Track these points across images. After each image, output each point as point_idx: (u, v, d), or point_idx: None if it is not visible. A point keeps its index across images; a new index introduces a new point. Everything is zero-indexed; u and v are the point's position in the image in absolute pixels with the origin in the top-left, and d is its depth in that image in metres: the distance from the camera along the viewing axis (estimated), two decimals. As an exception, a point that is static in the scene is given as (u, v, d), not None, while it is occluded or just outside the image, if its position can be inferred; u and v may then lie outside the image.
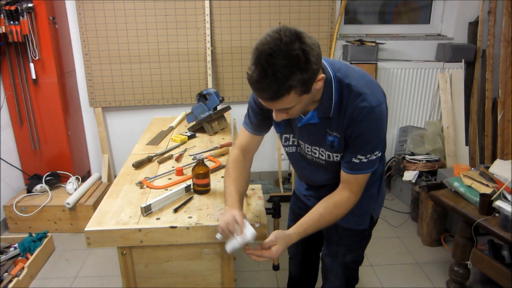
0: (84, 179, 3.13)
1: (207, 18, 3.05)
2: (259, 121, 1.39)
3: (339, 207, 1.28)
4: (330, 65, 1.20)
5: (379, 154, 1.25)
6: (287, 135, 1.38)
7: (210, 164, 1.84)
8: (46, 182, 2.92)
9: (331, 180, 1.38)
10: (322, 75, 1.11)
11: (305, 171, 1.46)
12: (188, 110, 2.54)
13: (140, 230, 1.38)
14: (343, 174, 1.28)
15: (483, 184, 2.08)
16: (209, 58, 3.12)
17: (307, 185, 1.55)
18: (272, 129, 1.44)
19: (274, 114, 1.19)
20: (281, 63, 1.00)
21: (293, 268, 1.82)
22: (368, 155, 1.22)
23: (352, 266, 1.57)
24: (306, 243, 1.52)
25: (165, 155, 2.03)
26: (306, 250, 1.74)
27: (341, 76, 1.18)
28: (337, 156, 1.29)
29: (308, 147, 1.34)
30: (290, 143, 1.40)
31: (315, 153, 1.33)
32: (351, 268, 1.58)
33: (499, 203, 1.91)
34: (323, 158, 1.32)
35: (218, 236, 1.26)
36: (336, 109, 1.20)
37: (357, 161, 1.23)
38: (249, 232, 1.24)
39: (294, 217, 1.61)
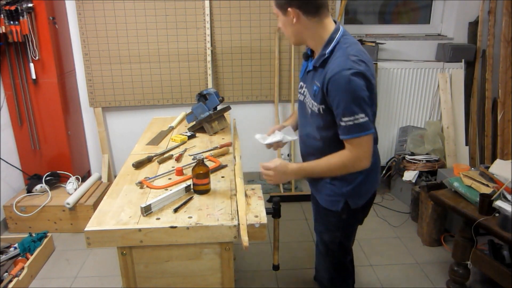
0: (84, 179, 3.14)
1: (207, 18, 3.05)
2: None
3: (339, 159, 1.44)
4: (343, 33, 1.46)
5: (366, 118, 1.37)
6: (301, 83, 1.59)
7: (210, 164, 1.84)
8: (46, 182, 2.92)
9: (313, 139, 1.56)
10: (295, 14, 1.40)
11: (301, 120, 1.64)
12: (188, 110, 2.54)
13: (140, 230, 1.38)
14: (344, 141, 1.43)
15: (483, 184, 2.08)
16: (209, 58, 3.12)
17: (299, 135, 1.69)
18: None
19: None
20: None
21: None
22: (351, 117, 1.35)
23: (331, 246, 1.68)
24: None
25: (165, 155, 2.03)
26: None
27: (343, 41, 1.42)
28: (316, 107, 1.46)
29: (306, 91, 1.55)
30: (301, 91, 1.60)
31: (308, 99, 1.52)
32: (332, 249, 1.69)
33: (499, 203, 1.91)
34: (311, 107, 1.50)
35: (258, 136, 1.68)
36: (323, 62, 1.41)
37: (343, 124, 1.38)
38: (269, 138, 1.66)
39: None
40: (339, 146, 1.45)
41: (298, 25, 1.43)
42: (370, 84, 1.38)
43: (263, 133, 1.74)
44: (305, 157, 1.66)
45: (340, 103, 1.35)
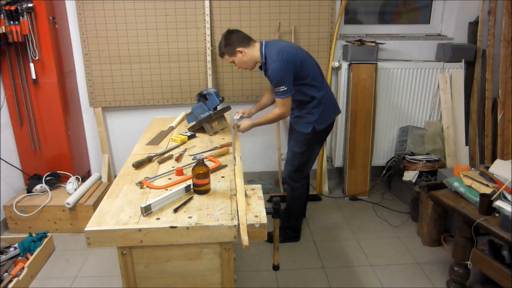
0: (84, 179, 3.14)
1: (207, 18, 3.05)
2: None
3: (272, 114, 2.39)
4: (266, 45, 2.34)
5: (285, 88, 2.26)
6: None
7: (210, 164, 1.84)
8: (46, 182, 2.92)
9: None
10: (241, 51, 2.33)
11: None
12: (188, 110, 2.54)
13: (140, 230, 1.38)
14: (275, 100, 2.37)
15: (483, 184, 2.08)
16: (209, 58, 3.12)
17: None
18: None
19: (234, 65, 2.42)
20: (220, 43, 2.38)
21: None
22: (278, 87, 2.26)
23: (297, 155, 2.53)
24: None
25: (165, 155, 2.03)
26: None
27: (266, 51, 2.32)
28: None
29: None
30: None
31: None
32: (296, 157, 2.53)
33: (499, 203, 1.91)
34: (273, 89, 2.36)
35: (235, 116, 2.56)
36: (264, 65, 2.33)
37: (276, 90, 2.28)
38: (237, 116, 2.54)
39: (290, 136, 2.67)
40: (297, 97, 2.39)
41: (245, 56, 2.34)
42: (290, 65, 2.26)
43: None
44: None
45: (273, 80, 2.28)
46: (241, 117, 2.58)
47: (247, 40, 2.33)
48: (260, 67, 2.42)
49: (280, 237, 2.59)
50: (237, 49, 2.30)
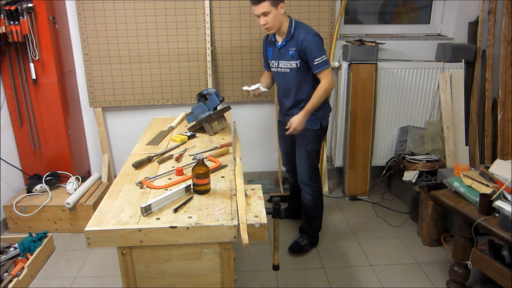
0: (84, 179, 3.14)
1: (207, 18, 3.05)
2: (265, 59, 2.56)
3: (321, 89, 2.30)
4: (294, 19, 2.32)
5: (326, 57, 2.26)
6: (273, 61, 2.44)
7: (210, 164, 1.84)
8: (46, 182, 2.92)
9: (294, 87, 2.39)
10: (283, 6, 2.22)
11: (279, 82, 2.49)
12: (188, 110, 2.54)
13: (140, 230, 1.38)
14: (317, 75, 2.31)
15: (483, 184, 2.08)
16: (209, 58, 3.12)
17: (280, 105, 2.58)
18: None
19: (260, 20, 2.23)
20: None
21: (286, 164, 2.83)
22: (320, 57, 2.24)
23: (311, 153, 2.49)
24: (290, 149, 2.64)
25: (165, 155, 2.03)
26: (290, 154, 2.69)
27: (297, 23, 2.31)
28: (294, 63, 2.33)
29: (281, 62, 2.39)
30: (274, 65, 2.45)
31: (285, 65, 2.37)
32: (311, 154, 2.49)
33: (499, 203, 1.91)
34: (288, 66, 2.36)
35: (245, 87, 2.49)
36: (292, 36, 2.29)
37: (316, 62, 2.25)
38: (254, 86, 2.47)
39: (281, 137, 2.66)
40: (308, 83, 2.35)
41: (282, 15, 2.25)
42: (322, 41, 2.30)
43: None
44: (289, 99, 2.45)
45: (312, 50, 2.23)
46: (255, 89, 2.47)
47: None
48: (273, 42, 2.38)
49: (308, 245, 2.61)
50: (281, 3, 2.21)
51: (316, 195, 2.56)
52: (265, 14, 2.19)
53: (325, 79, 2.28)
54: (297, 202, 2.80)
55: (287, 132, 2.35)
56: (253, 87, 2.48)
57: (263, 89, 2.47)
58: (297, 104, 2.43)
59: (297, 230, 2.74)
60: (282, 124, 2.58)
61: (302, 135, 2.46)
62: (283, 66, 2.38)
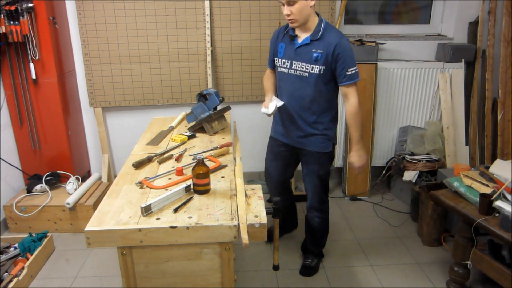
0: (84, 179, 3.13)
1: (207, 18, 3.05)
2: (271, 57, 2.22)
3: (356, 110, 2.02)
4: (324, 19, 2.02)
5: (357, 70, 1.99)
6: (285, 60, 2.10)
7: (210, 164, 1.84)
8: (46, 182, 2.92)
9: (308, 97, 2.08)
10: (314, 2, 1.91)
11: (287, 85, 2.13)
12: (188, 110, 2.54)
13: (140, 230, 1.38)
14: (344, 89, 2.02)
15: (483, 184, 2.08)
16: (209, 58, 3.12)
17: (281, 121, 2.25)
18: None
19: (284, 9, 1.91)
20: None
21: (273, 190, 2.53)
22: (353, 68, 1.97)
23: (323, 177, 2.26)
24: (282, 177, 2.41)
25: (165, 155, 2.03)
26: (283, 183, 2.50)
27: (327, 23, 2.01)
28: (317, 68, 2.00)
29: (298, 63, 2.04)
30: (285, 65, 2.10)
31: (302, 67, 2.03)
32: (323, 179, 2.27)
33: (499, 203, 1.91)
34: (308, 70, 2.02)
35: (263, 109, 2.12)
36: (321, 36, 1.97)
37: (349, 73, 1.96)
38: (272, 105, 2.08)
39: (274, 156, 2.37)
40: (324, 96, 2.07)
41: (310, 8, 1.93)
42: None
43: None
44: (298, 111, 2.13)
45: (346, 59, 1.94)
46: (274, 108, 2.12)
47: None
48: (292, 37, 2.03)
49: (317, 263, 2.45)
50: (312, 2, 1.91)
51: (325, 216, 2.39)
52: (290, 3, 1.87)
53: (354, 95, 2.01)
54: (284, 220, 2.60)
55: (356, 168, 2.13)
56: (272, 108, 2.09)
57: (280, 103, 2.12)
58: (307, 118, 2.13)
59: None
60: (276, 141, 2.32)
61: (313, 161, 2.22)
62: (299, 68, 2.04)
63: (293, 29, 2.04)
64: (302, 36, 2.02)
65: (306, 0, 1.88)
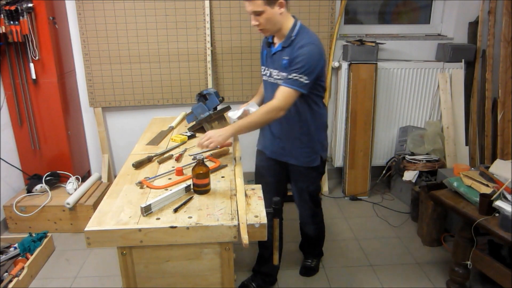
0: (84, 179, 3.13)
1: (207, 18, 3.05)
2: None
3: (266, 108, 1.81)
4: (301, 24, 1.88)
5: (307, 82, 1.78)
6: (265, 67, 2.02)
7: (210, 164, 1.84)
8: (46, 182, 2.92)
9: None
10: (283, 5, 1.78)
11: (268, 93, 2.02)
12: (188, 110, 2.54)
13: (140, 230, 1.38)
14: (278, 88, 1.82)
15: (483, 184, 2.08)
16: (209, 58, 3.12)
17: (263, 132, 2.15)
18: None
19: (251, 18, 1.81)
20: None
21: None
22: (300, 75, 1.76)
23: (314, 193, 2.17)
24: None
25: (165, 155, 2.03)
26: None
27: (303, 29, 1.87)
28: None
29: (274, 71, 1.94)
30: (265, 73, 2.02)
31: (278, 75, 1.91)
32: (314, 195, 2.17)
33: (499, 203, 1.91)
34: (280, 78, 1.89)
35: (229, 113, 2.10)
36: (291, 42, 1.84)
37: (292, 77, 1.78)
38: (242, 110, 2.01)
39: (263, 170, 2.19)
40: (305, 104, 1.92)
41: (280, 15, 1.81)
42: (322, 60, 1.83)
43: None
44: (278, 121, 1.94)
45: (300, 62, 1.77)
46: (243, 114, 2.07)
47: (288, 1, 1.85)
48: (269, 43, 1.96)
49: (317, 263, 2.45)
50: (280, 0, 1.77)
51: (319, 225, 2.34)
52: (257, 13, 1.78)
53: (280, 99, 1.78)
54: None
55: (198, 144, 1.84)
56: (238, 113, 2.02)
57: (254, 109, 1.98)
58: (288, 129, 1.99)
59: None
60: (263, 155, 2.17)
61: (301, 178, 2.09)
62: (275, 76, 1.94)
63: (272, 36, 1.95)
64: (277, 43, 1.93)
65: (273, 8, 1.77)
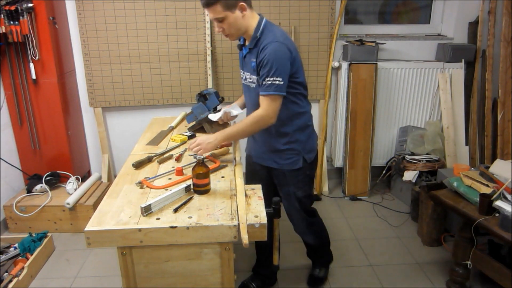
0: (84, 179, 3.13)
1: (207, 18, 3.05)
2: None
3: (252, 118, 1.77)
4: (267, 21, 1.81)
5: (282, 82, 1.71)
6: (242, 71, 1.95)
7: (210, 164, 1.84)
8: (46, 182, 2.92)
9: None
10: (244, 8, 1.72)
11: (246, 97, 2.00)
12: (188, 110, 2.54)
13: (140, 230, 1.38)
14: (260, 98, 1.76)
15: (483, 184, 2.08)
16: (209, 58, 3.12)
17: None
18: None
19: (215, 26, 1.79)
20: None
21: None
22: (273, 77, 1.69)
23: (304, 200, 2.03)
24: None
25: (165, 155, 2.03)
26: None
27: (269, 27, 1.79)
28: (255, 78, 1.80)
29: (247, 74, 1.88)
30: (242, 76, 1.96)
31: (250, 78, 1.85)
32: (304, 202, 2.04)
33: (499, 203, 1.91)
34: (253, 80, 1.83)
35: (210, 114, 2.15)
36: (256, 42, 1.77)
37: (268, 82, 1.71)
38: (216, 114, 2.06)
39: (252, 176, 2.11)
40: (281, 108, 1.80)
41: (243, 18, 1.74)
42: (291, 56, 1.74)
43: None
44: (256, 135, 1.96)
45: (267, 64, 1.70)
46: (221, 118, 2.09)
47: (250, 1, 1.79)
48: (241, 46, 1.91)
49: (326, 271, 2.36)
50: (241, 3, 1.71)
51: (319, 233, 2.24)
52: (219, 20, 1.73)
53: (265, 108, 1.74)
54: (266, 265, 2.28)
55: (188, 148, 1.85)
56: (218, 114, 2.03)
57: (236, 112, 2.01)
58: (266, 131, 1.88)
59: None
60: (250, 159, 2.10)
61: (286, 182, 1.98)
62: (248, 78, 1.89)
63: (244, 38, 1.88)
64: (246, 45, 1.86)
65: (234, 13, 1.71)
